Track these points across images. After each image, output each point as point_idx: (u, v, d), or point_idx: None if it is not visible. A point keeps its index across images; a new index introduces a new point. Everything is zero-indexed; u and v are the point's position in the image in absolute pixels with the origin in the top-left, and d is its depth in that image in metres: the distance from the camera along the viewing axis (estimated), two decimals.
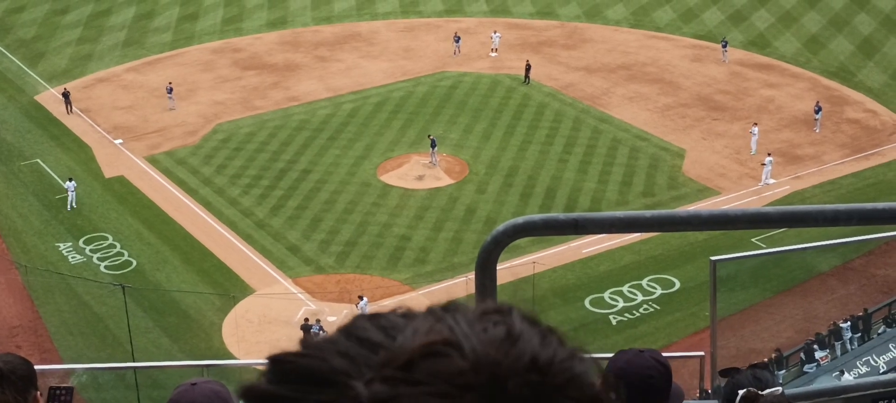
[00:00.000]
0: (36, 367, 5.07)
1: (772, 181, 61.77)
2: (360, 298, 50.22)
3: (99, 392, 43.22)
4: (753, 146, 65.94)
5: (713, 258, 6.82)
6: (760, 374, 4.67)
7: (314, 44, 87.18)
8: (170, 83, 76.32)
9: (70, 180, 61.44)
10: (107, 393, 42.71)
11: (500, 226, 3.89)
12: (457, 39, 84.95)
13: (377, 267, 55.00)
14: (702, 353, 9.85)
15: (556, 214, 3.79)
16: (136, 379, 42.86)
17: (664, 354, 4.91)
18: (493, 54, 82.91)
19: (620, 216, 3.75)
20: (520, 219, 3.80)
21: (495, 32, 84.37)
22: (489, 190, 62.38)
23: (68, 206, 60.50)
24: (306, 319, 49.03)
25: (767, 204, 60.33)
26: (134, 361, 44.73)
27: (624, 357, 4.67)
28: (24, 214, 60.54)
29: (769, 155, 62.66)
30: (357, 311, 49.91)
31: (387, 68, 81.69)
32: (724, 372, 4.74)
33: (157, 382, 45.91)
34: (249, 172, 65.08)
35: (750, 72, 79.32)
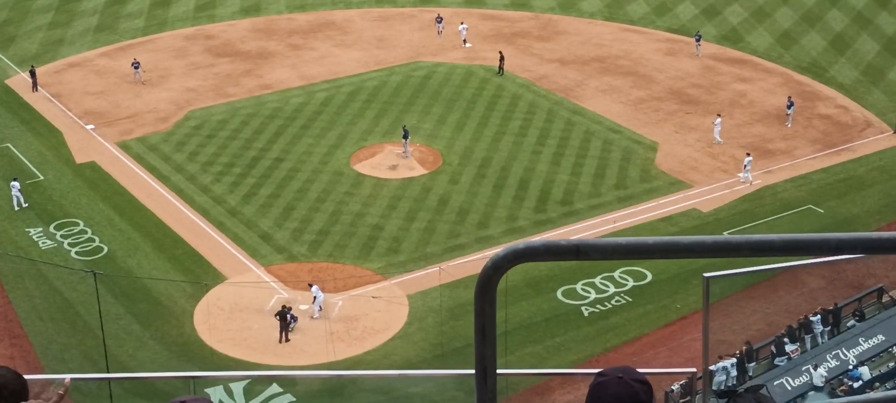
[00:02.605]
0: (26, 377, 5.12)
1: (750, 177, 61.75)
2: (310, 286, 50.11)
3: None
4: (717, 136, 66.52)
5: (707, 274, 6.74)
6: (762, 399, 4.65)
7: (288, 32, 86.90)
8: (135, 59, 76.91)
9: (15, 180, 59.91)
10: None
11: (501, 251, 3.86)
12: (439, 20, 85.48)
13: (350, 256, 54.94)
14: (694, 370, 9.68)
15: (558, 240, 3.73)
16: (106, 363, 42.73)
17: (650, 371, 4.90)
18: (467, 46, 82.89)
19: (622, 242, 3.73)
20: (520, 244, 3.77)
21: (462, 24, 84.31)
22: (462, 180, 62.39)
23: (16, 206, 58.84)
24: (283, 306, 48.96)
25: (739, 198, 60.65)
26: (104, 347, 44.49)
27: (611, 391, 4.66)
28: None
29: (748, 154, 62.69)
30: (310, 297, 49.83)
31: (360, 57, 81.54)
32: (723, 394, 4.71)
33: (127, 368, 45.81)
34: (222, 160, 64.84)
35: (723, 67, 79.64)
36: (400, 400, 42.66)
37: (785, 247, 3.77)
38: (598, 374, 4.73)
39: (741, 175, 62.28)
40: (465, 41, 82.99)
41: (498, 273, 3.80)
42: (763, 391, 5.14)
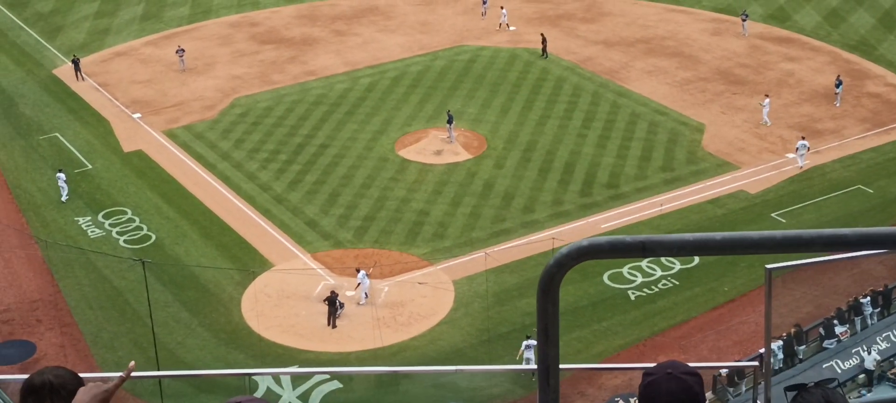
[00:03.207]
0: (82, 375, 5.13)
1: (802, 161, 60.87)
2: (357, 270, 50.21)
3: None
4: (765, 116, 65.88)
5: (769, 266, 6.60)
6: (831, 395, 4.51)
7: (331, 18, 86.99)
8: (180, 46, 77.58)
9: (60, 171, 60.29)
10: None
11: (564, 249, 3.77)
12: (484, 2, 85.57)
13: (396, 241, 54.97)
14: (756, 363, 9.57)
15: (623, 237, 3.63)
16: (155, 351, 43.06)
17: (708, 364, 4.80)
18: (511, 29, 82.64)
19: (689, 238, 3.62)
20: (584, 242, 3.68)
21: (502, 8, 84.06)
22: (507, 165, 62.23)
23: (62, 198, 59.12)
24: (332, 291, 49.10)
25: (787, 179, 60.04)
26: (153, 335, 44.83)
27: (663, 388, 4.55)
28: (44, 188, 60.67)
29: (803, 138, 61.87)
30: (356, 282, 49.95)
31: (404, 42, 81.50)
32: (792, 388, 4.58)
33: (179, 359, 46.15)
34: (267, 147, 65.08)
35: (770, 46, 78.84)
36: (446, 386, 42.65)
37: (859, 241, 3.65)
38: (646, 373, 4.62)
39: (791, 155, 61.50)
40: (506, 25, 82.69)
41: (562, 271, 3.72)
42: (834, 386, 5.00)
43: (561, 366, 3.83)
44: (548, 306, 3.74)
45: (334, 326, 48.50)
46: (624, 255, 3.68)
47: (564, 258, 3.72)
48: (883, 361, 42.93)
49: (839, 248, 3.65)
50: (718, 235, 3.68)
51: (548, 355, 3.77)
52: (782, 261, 8.07)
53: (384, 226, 56.26)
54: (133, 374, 5.08)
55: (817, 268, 49.82)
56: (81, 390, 4.82)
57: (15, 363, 45.34)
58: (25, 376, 5.13)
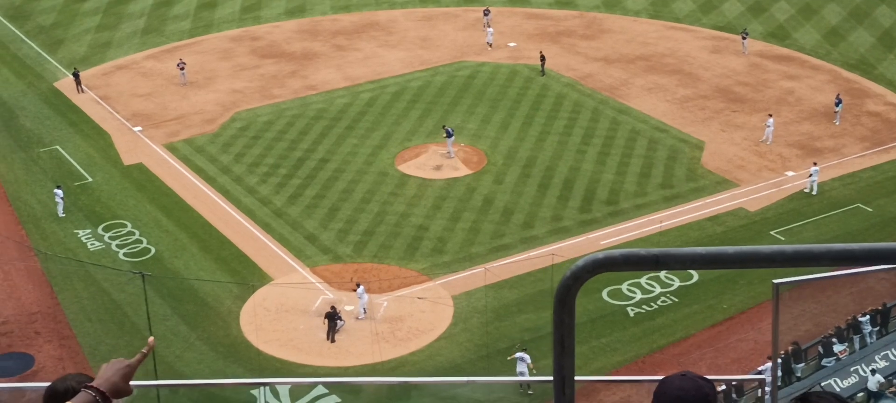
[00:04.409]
0: None
1: (814, 188, 60.26)
2: (357, 286, 50.25)
3: None
4: (769, 136, 65.86)
5: (776, 281, 6.66)
6: (839, 398, 4.56)
7: (332, 32, 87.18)
8: (181, 59, 77.80)
9: (58, 187, 60.16)
10: None
11: (580, 261, 3.83)
12: (486, 13, 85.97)
13: (395, 256, 55.00)
14: (762, 377, 9.59)
15: (637, 250, 3.68)
16: (154, 365, 43.03)
17: (717, 376, 4.85)
18: (511, 45, 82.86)
19: (702, 252, 3.68)
20: (600, 254, 3.73)
21: (489, 27, 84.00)
22: (507, 180, 62.31)
23: (59, 213, 58.84)
24: (332, 307, 49.13)
25: (786, 197, 60.13)
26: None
27: (675, 385, 4.67)
28: (43, 201, 60.68)
29: (815, 164, 61.36)
30: (355, 298, 49.98)
31: (405, 57, 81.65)
32: (800, 399, 4.62)
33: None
34: (267, 161, 65.16)
35: (769, 64, 79.02)
36: (446, 401, 42.61)
37: (867, 256, 3.69)
38: (662, 380, 4.73)
39: (806, 184, 60.76)
40: (489, 44, 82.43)
41: (577, 283, 3.77)
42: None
43: (587, 377, 3.88)
44: (564, 317, 3.79)
45: (333, 340, 48.51)
46: (638, 268, 3.73)
47: (580, 270, 3.78)
48: (884, 380, 42.90)
49: (848, 263, 3.71)
50: (730, 249, 3.73)
51: (563, 365, 3.82)
52: (789, 276, 8.12)
53: (383, 241, 56.30)
54: (139, 383, 5.12)
55: (817, 286, 49.86)
56: (104, 366, 4.87)
57: (13, 375, 45.32)
58: (22, 385, 5.19)
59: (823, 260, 3.73)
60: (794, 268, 4.18)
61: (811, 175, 60.53)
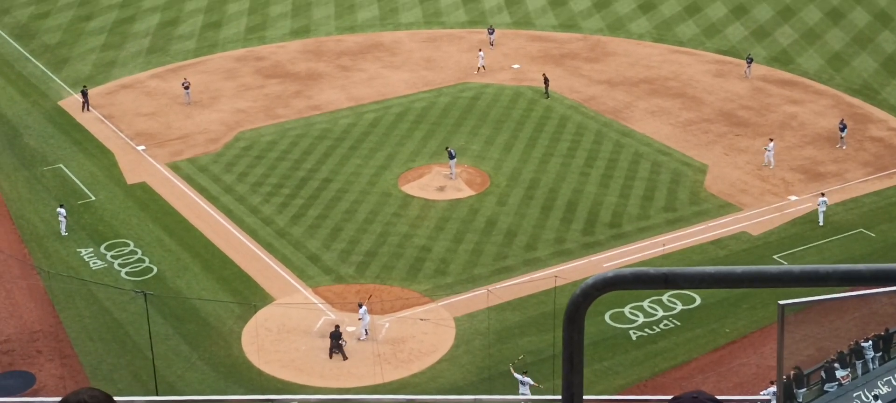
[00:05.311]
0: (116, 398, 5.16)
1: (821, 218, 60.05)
2: (360, 305, 50.21)
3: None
4: (771, 160, 65.82)
5: (782, 302, 6.69)
6: None
7: (337, 53, 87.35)
8: (185, 79, 77.99)
9: (61, 206, 60.10)
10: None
11: (590, 279, 3.85)
12: (491, 31, 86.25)
13: (397, 277, 54.98)
14: (769, 398, 9.60)
15: (647, 268, 3.69)
16: (155, 384, 42.98)
17: (724, 397, 4.84)
18: (516, 66, 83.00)
19: (711, 271, 3.70)
20: (610, 273, 3.75)
21: (480, 51, 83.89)
22: (510, 202, 62.31)
23: (62, 232, 58.89)
24: (336, 326, 49.08)
25: (789, 222, 60.09)
26: (153, 367, 44.74)
27: (687, 400, 4.65)
28: (46, 219, 60.72)
29: (823, 194, 60.99)
30: (357, 319, 49.93)
31: (409, 78, 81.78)
32: None
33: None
34: (271, 180, 65.19)
35: (773, 89, 79.09)
36: None
37: (874, 277, 3.69)
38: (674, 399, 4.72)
39: (806, 205, 60.67)
40: (483, 68, 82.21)
41: (587, 301, 3.78)
42: None
43: (595, 396, 3.88)
44: (573, 334, 3.80)
45: (344, 357, 48.35)
46: (647, 287, 3.74)
47: (590, 288, 3.78)
48: None
49: (854, 284, 3.71)
50: (739, 269, 3.74)
51: (572, 382, 3.82)
52: (795, 297, 8.12)
53: (386, 262, 56.27)
54: (142, 398, 5.10)
55: (820, 310, 49.62)
56: None
57: (14, 394, 45.23)
58: (26, 401, 5.17)
59: (830, 280, 3.74)
60: (801, 289, 4.19)
61: (820, 205, 60.00)
